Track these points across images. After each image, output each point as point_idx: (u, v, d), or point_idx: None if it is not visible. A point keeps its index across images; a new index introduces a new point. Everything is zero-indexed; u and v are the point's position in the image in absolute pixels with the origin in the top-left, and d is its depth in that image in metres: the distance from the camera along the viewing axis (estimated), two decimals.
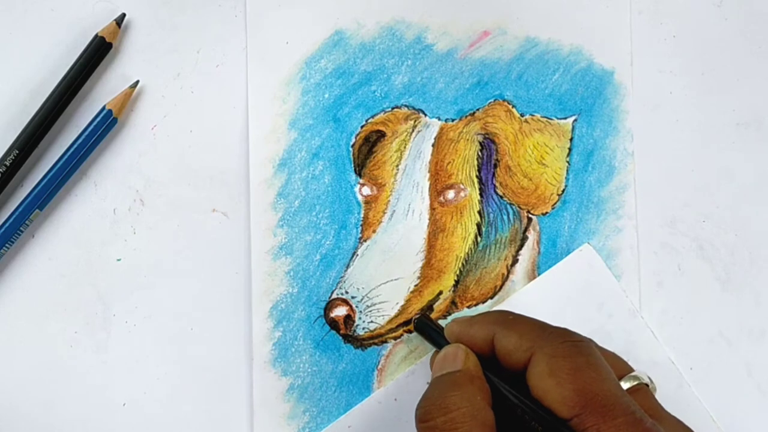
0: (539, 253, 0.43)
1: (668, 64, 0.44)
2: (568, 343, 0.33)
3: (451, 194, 0.43)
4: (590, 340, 0.35)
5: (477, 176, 0.43)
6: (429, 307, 0.42)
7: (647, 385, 0.36)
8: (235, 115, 0.43)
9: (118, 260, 0.42)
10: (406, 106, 0.43)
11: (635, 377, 0.36)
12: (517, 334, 0.35)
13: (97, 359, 0.42)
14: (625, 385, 0.35)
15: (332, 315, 0.42)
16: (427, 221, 0.43)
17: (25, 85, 0.42)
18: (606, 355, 0.35)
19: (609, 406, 0.31)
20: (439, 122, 0.43)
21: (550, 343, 0.33)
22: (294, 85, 0.43)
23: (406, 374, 0.42)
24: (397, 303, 0.42)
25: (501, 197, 0.43)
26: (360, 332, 0.42)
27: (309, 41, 0.43)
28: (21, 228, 0.41)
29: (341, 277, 0.42)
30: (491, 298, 0.43)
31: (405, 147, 0.43)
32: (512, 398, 0.34)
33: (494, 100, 0.43)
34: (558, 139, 0.43)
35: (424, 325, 0.41)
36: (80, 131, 0.41)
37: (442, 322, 0.42)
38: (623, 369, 0.36)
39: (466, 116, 0.43)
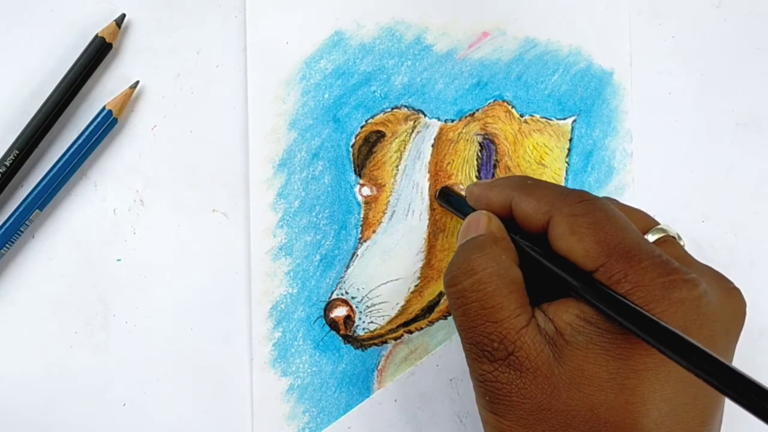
0: None
1: (667, 65, 0.44)
2: (586, 202, 0.33)
3: None
4: (609, 198, 0.34)
5: (477, 176, 0.43)
6: (429, 307, 0.42)
7: (674, 237, 0.35)
8: (235, 115, 0.43)
9: (118, 260, 0.42)
10: (405, 106, 0.43)
11: (662, 230, 0.35)
12: (536, 198, 0.34)
13: (97, 359, 0.42)
14: (652, 237, 0.34)
15: (332, 315, 0.42)
16: (427, 221, 0.43)
17: (25, 85, 0.42)
18: (629, 211, 0.35)
19: (632, 251, 0.31)
20: (439, 123, 0.43)
21: (568, 203, 0.33)
22: (294, 86, 0.43)
23: (406, 375, 0.42)
24: (398, 303, 0.42)
25: None
26: (360, 333, 0.42)
27: (309, 41, 0.43)
28: (21, 228, 0.41)
29: (341, 277, 0.42)
30: None
31: (405, 147, 0.43)
32: (537, 255, 0.34)
33: (494, 101, 0.44)
34: (557, 139, 0.44)
35: (446, 195, 0.41)
36: (80, 131, 0.41)
37: (441, 323, 0.43)
38: (649, 223, 0.36)
39: (466, 117, 0.43)
